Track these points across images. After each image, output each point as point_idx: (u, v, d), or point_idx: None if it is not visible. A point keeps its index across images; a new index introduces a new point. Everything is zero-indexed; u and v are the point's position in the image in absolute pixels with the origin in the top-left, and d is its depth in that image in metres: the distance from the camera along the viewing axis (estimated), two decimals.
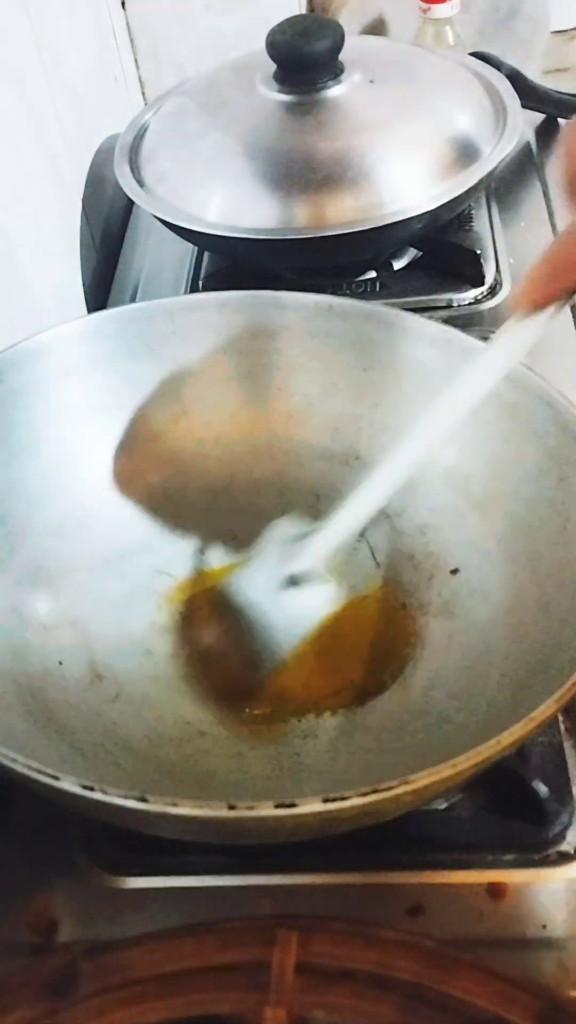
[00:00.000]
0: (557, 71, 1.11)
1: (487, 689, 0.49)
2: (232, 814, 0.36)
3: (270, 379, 0.60)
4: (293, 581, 0.49)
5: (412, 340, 0.57)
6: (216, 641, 0.53)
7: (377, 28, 1.02)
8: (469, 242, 0.77)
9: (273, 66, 0.73)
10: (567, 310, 0.72)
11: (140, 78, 1.01)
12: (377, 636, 0.55)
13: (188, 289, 0.78)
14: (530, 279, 0.43)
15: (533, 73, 0.90)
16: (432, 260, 0.76)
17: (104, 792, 0.37)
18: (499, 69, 0.79)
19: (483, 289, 0.74)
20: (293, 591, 0.50)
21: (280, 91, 0.72)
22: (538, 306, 0.44)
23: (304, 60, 0.71)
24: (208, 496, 0.60)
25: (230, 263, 0.77)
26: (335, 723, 0.51)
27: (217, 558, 0.58)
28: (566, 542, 0.49)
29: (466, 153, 0.71)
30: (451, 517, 0.56)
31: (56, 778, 0.38)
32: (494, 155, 0.72)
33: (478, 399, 0.47)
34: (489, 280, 0.74)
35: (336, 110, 0.71)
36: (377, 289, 0.75)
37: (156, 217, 0.73)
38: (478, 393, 0.47)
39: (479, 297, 0.74)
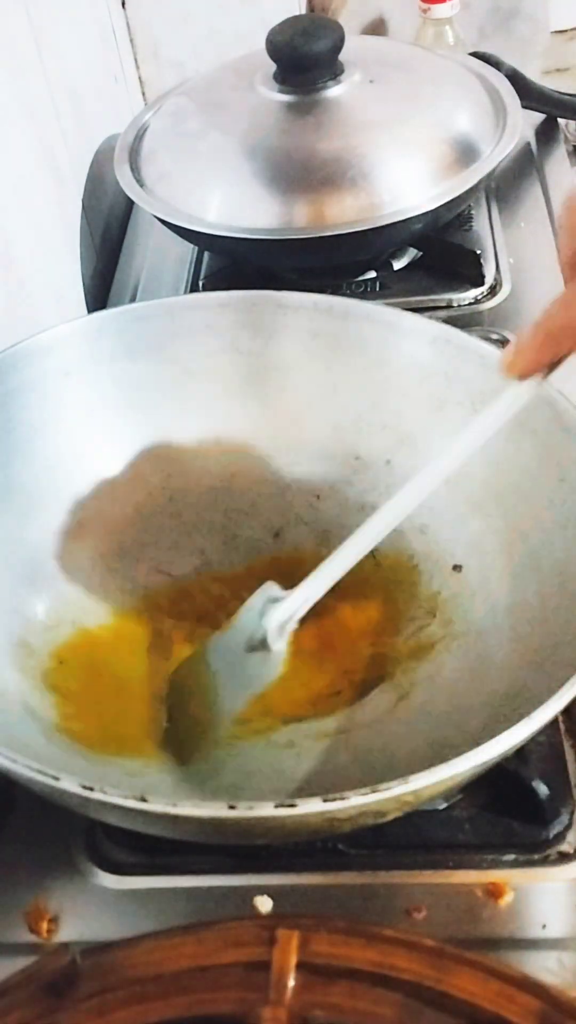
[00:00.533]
0: (557, 71, 1.11)
1: (487, 689, 0.49)
2: (232, 814, 0.36)
3: (270, 379, 0.60)
4: (253, 647, 0.49)
5: (412, 340, 0.57)
6: (181, 700, 0.52)
7: (377, 28, 1.02)
8: (469, 242, 0.77)
9: (273, 66, 0.73)
10: None
11: (140, 78, 1.01)
12: (376, 636, 0.55)
13: (188, 289, 0.78)
14: (519, 347, 0.43)
15: (533, 73, 0.90)
16: (432, 260, 0.76)
17: (104, 792, 0.37)
18: (499, 69, 0.80)
19: (483, 289, 0.74)
20: (253, 656, 0.49)
21: (280, 91, 0.72)
22: (526, 374, 0.44)
23: (304, 60, 0.71)
24: (208, 496, 0.60)
25: (230, 263, 0.77)
26: (335, 723, 0.51)
27: (217, 558, 0.59)
28: (566, 542, 0.49)
29: (466, 153, 0.71)
30: (451, 517, 0.56)
31: (56, 778, 0.38)
32: (494, 155, 0.72)
33: (463, 461, 0.47)
34: (489, 280, 0.74)
35: (336, 110, 0.71)
36: (377, 289, 0.75)
37: (156, 217, 0.73)
38: (464, 456, 0.47)
39: (479, 297, 0.74)
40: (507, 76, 0.79)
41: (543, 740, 0.49)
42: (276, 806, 0.36)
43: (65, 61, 0.79)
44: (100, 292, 0.82)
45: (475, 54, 0.83)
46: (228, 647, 0.50)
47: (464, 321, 0.71)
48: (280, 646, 0.48)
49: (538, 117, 0.90)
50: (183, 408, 0.60)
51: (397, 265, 0.77)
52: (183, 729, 0.51)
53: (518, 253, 0.77)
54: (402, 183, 0.69)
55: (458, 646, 0.52)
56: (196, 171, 0.72)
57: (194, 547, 0.59)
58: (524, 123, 0.76)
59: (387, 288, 0.75)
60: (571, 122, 0.90)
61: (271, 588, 0.49)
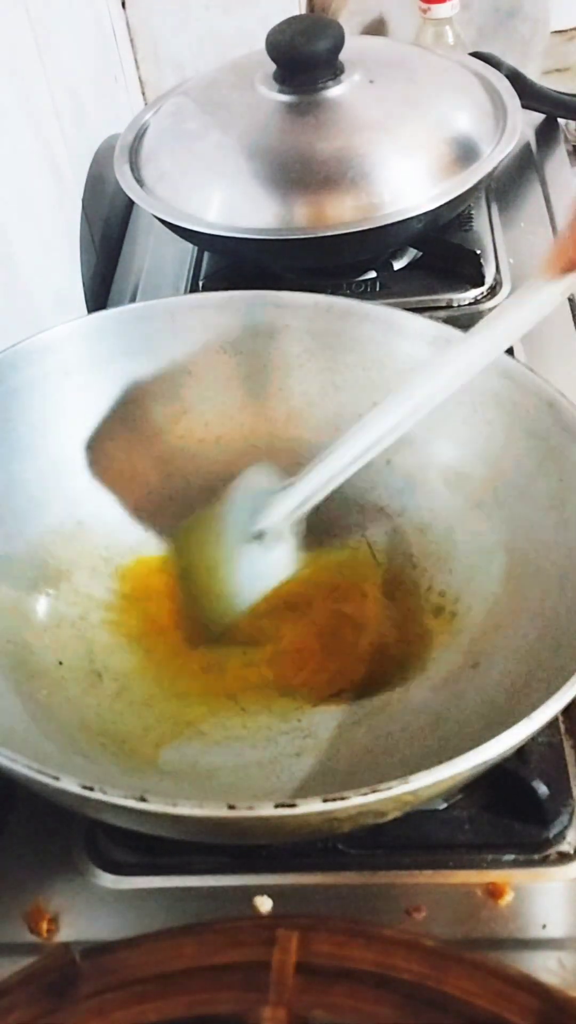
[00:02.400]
0: (557, 71, 1.11)
1: (487, 689, 0.49)
2: (232, 814, 0.36)
3: (270, 379, 0.60)
4: (259, 536, 0.49)
5: (412, 340, 0.57)
6: (187, 584, 0.53)
7: (377, 28, 1.02)
8: (469, 242, 0.77)
9: (273, 66, 0.73)
10: (566, 310, 0.73)
11: (140, 78, 1.01)
12: (377, 636, 0.55)
13: (188, 289, 0.78)
14: (560, 246, 0.43)
15: (533, 73, 0.91)
16: (432, 260, 0.76)
17: (104, 792, 0.37)
18: (499, 69, 0.79)
19: (483, 289, 0.74)
20: (259, 547, 0.50)
21: (280, 91, 0.72)
22: (568, 270, 0.44)
23: (304, 60, 0.71)
24: (208, 496, 0.60)
25: (230, 263, 0.77)
26: (335, 723, 0.51)
27: None
28: (566, 542, 0.49)
29: (466, 153, 0.71)
30: (451, 517, 0.56)
31: (56, 778, 0.38)
32: (494, 155, 0.72)
33: (491, 357, 0.46)
34: (489, 280, 0.74)
35: (336, 110, 0.71)
36: (377, 289, 0.75)
37: (156, 217, 0.73)
38: (492, 351, 0.46)
39: (479, 297, 0.74)
40: (507, 76, 0.79)
41: (543, 740, 0.49)
42: (276, 806, 0.36)
43: (65, 61, 0.79)
44: (100, 292, 0.82)
45: (475, 54, 0.83)
46: (234, 526, 0.51)
47: (464, 321, 0.71)
48: (284, 547, 0.48)
49: (538, 117, 0.90)
50: (183, 408, 0.60)
51: (397, 265, 0.77)
52: (196, 603, 0.52)
53: (518, 253, 0.77)
54: (402, 183, 0.69)
55: (458, 646, 0.52)
56: (196, 171, 0.72)
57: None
58: (524, 123, 0.76)
59: (387, 288, 0.75)
60: (571, 122, 0.91)
61: (262, 473, 0.49)
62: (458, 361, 0.48)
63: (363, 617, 0.56)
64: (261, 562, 0.51)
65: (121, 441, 0.59)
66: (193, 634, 0.54)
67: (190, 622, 0.54)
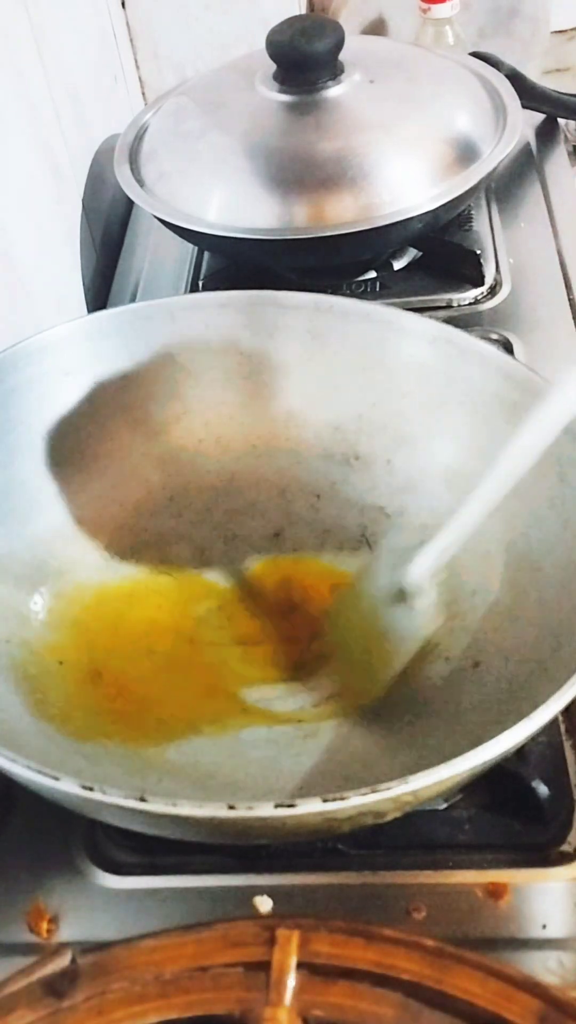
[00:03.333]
0: (557, 71, 1.11)
1: (487, 689, 0.49)
2: (232, 814, 0.36)
3: (270, 379, 0.60)
4: (403, 596, 0.50)
5: (412, 340, 0.57)
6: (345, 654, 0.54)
7: (377, 28, 1.02)
8: (469, 242, 0.77)
9: (273, 66, 0.73)
10: (566, 310, 0.73)
11: (140, 78, 1.01)
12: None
13: (188, 289, 0.78)
14: None
15: (533, 73, 0.91)
16: (432, 260, 0.76)
17: (104, 792, 0.37)
18: (499, 69, 0.79)
19: (483, 289, 0.74)
20: (405, 607, 0.50)
21: (280, 91, 0.72)
22: None
23: (304, 60, 0.71)
24: (208, 496, 0.60)
25: (230, 263, 0.77)
26: (335, 723, 0.51)
27: (217, 558, 0.59)
28: (566, 542, 0.49)
29: (466, 153, 0.71)
30: (451, 517, 0.55)
31: (56, 778, 0.38)
32: (494, 155, 0.72)
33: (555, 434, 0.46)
34: (489, 280, 0.74)
35: (336, 110, 0.71)
36: (377, 289, 0.75)
37: (156, 217, 0.73)
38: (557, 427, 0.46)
39: (479, 297, 0.74)
40: (507, 76, 0.79)
41: (543, 740, 0.49)
42: (276, 806, 0.36)
43: (65, 61, 0.79)
44: (100, 292, 0.82)
45: (475, 54, 0.82)
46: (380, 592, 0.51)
47: (464, 321, 0.71)
48: (424, 601, 0.49)
49: (538, 117, 0.90)
50: (183, 408, 0.60)
51: (397, 265, 0.77)
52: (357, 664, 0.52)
53: (518, 253, 0.77)
54: (402, 183, 0.69)
55: (458, 646, 0.52)
56: (196, 171, 0.72)
57: (194, 547, 0.59)
58: (524, 123, 0.76)
59: (387, 288, 0.75)
60: (571, 122, 0.91)
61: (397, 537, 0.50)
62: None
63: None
64: (408, 620, 0.50)
65: (121, 441, 0.59)
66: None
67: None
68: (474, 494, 0.47)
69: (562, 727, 0.50)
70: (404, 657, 0.51)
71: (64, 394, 0.57)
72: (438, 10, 0.89)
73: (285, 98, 0.72)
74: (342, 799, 0.36)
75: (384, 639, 0.51)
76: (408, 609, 0.49)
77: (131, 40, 0.98)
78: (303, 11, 1.02)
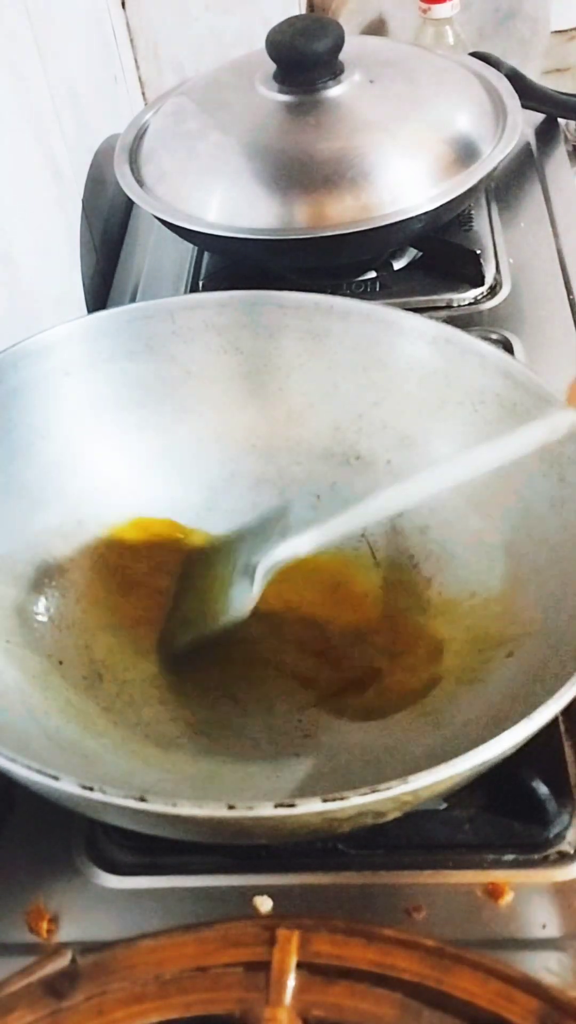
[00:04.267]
0: (557, 71, 1.11)
1: (487, 689, 0.49)
2: (232, 814, 0.36)
3: (270, 379, 0.60)
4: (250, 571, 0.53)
5: (412, 340, 0.57)
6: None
7: (377, 28, 1.02)
8: (469, 242, 0.77)
9: (273, 66, 0.73)
10: (566, 310, 0.73)
11: (140, 78, 1.01)
12: (377, 636, 0.55)
13: (188, 289, 0.78)
14: None
15: (533, 73, 0.91)
16: (432, 260, 0.76)
17: (104, 792, 0.37)
18: (499, 69, 0.80)
19: (483, 289, 0.74)
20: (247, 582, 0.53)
21: (280, 91, 0.72)
22: None
23: (304, 60, 0.71)
24: (208, 496, 0.60)
25: (230, 263, 0.77)
26: (335, 723, 0.51)
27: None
28: (566, 542, 0.49)
29: (466, 153, 0.71)
30: (451, 517, 0.56)
31: (56, 778, 0.38)
32: (494, 155, 0.72)
33: (494, 464, 0.50)
34: (489, 280, 0.74)
35: (336, 110, 0.71)
36: (377, 289, 0.75)
37: (156, 217, 0.73)
38: (499, 459, 0.50)
39: (479, 297, 0.74)
40: (507, 76, 0.79)
41: (543, 740, 0.49)
42: (276, 806, 0.36)
43: (65, 61, 0.79)
44: (100, 292, 0.82)
45: (475, 54, 0.82)
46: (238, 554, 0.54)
47: (464, 321, 0.71)
48: (257, 589, 0.51)
49: (538, 117, 0.90)
50: (183, 408, 0.60)
51: (397, 265, 0.77)
52: (182, 615, 0.54)
53: (518, 253, 0.77)
54: (402, 183, 0.69)
55: (458, 646, 0.52)
56: (196, 171, 0.72)
57: (194, 546, 0.59)
58: (524, 123, 0.76)
59: (387, 288, 0.75)
60: (571, 122, 0.91)
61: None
62: (465, 462, 0.52)
63: (363, 617, 0.56)
64: (244, 596, 0.53)
65: (121, 441, 0.59)
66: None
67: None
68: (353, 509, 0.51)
69: (562, 727, 0.50)
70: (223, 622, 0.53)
71: (64, 394, 0.57)
72: (438, 10, 0.89)
73: (285, 98, 0.72)
74: (342, 799, 0.36)
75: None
76: (247, 587, 0.52)
77: (131, 40, 0.98)
78: (303, 11, 1.02)
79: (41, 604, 0.54)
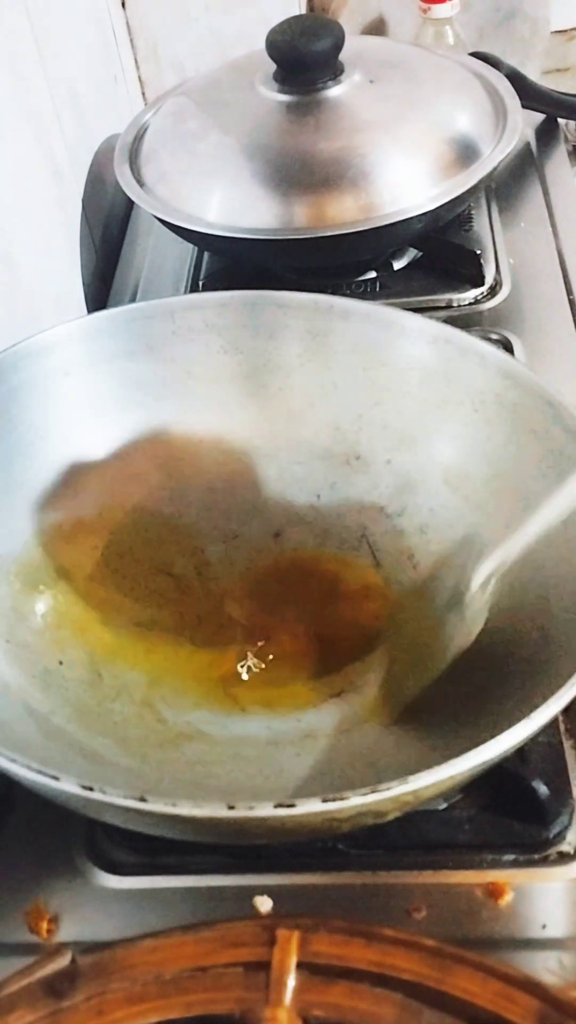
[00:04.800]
0: (557, 71, 1.11)
1: (487, 689, 0.49)
2: (232, 814, 0.36)
3: (270, 379, 0.60)
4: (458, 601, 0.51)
5: (412, 340, 0.57)
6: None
7: (377, 28, 1.02)
8: (469, 242, 0.77)
9: (273, 66, 0.73)
10: (566, 310, 0.73)
11: (140, 78, 1.01)
12: (377, 636, 0.55)
13: (188, 289, 0.78)
14: None
15: (533, 73, 0.91)
16: (432, 260, 0.76)
17: (104, 792, 0.37)
18: (499, 69, 0.79)
19: (483, 289, 0.74)
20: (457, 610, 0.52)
21: (280, 91, 0.72)
22: None
23: (304, 60, 0.71)
24: (208, 496, 0.60)
25: (230, 263, 0.77)
26: (335, 723, 0.51)
27: (217, 558, 0.59)
28: (567, 542, 0.49)
29: (466, 153, 0.71)
30: (451, 517, 0.56)
31: (56, 778, 0.38)
32: (494, 155, 0.72)
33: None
34: (489, 280, 0.74)
35: (336, 110, 0.71)
36: (377, 289, 0.75)
37: (156, 217, 0.73)
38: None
39: (479, 297, 0.74)
40: (507, 76, 0.78)
41: (543, 740, 0.49)
42: (276, 806, 0.36)
43: (65, 61, 0.79)
44: (100, 292, 0.82)
45: (475, 54, 0.82)
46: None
47: (464, 321, 0.71)
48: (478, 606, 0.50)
49: (538, 117, 0.90)
50: (183, 408, 0.60)
51: (397, 265, 0.77)
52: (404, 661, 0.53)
53: (518, 253, 0.77)
54: (402, 183, 0.69)
55: (458, 646, 0.52)
56: (196, 171, 0.72)
57: (194, 546, 0.59)
58: (524, 123, 0.76)
59: (387, 288, 0.75)
60: (571, 122, 0.91)
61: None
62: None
63: (363, 617, 0.56)
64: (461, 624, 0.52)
65: (121, 441, 0.59)
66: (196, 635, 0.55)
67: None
68: (537, 514, 0.49)
69: (562, 727, 0.50)
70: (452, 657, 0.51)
71: (64, 394, 0.57)
72: (438, 10, 0.89)
73: (285, 98, 0.72)
74: (342, 799, 0.36)
75: (437, 644, 0.52)
76: (461, 614, 0.50)
77: (131, 40, 0.98)
78: (303, 11, 1.02)
79: (41, 604, 0.54)
